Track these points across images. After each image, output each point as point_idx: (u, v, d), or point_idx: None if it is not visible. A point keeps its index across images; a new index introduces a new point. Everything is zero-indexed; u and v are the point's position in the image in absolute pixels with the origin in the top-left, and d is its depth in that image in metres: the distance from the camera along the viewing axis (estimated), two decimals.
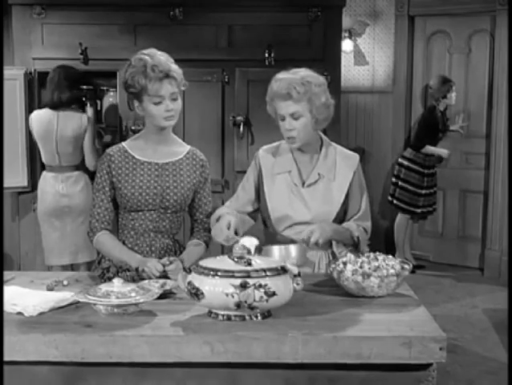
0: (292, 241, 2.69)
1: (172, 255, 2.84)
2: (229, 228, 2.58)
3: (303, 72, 2.70)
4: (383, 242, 6.76)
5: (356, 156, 2.86)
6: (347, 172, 2.80)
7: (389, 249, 6.36)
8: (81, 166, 5.01)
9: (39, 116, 4.94)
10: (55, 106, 4.89)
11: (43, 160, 5.02)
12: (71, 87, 4.95)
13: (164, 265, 2.58)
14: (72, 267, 5.02)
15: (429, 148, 6.33)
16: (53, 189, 4.93)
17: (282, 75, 2.69)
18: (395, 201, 6.50)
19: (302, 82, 2.64)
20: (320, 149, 2.81)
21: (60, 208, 4.90)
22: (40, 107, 5.03)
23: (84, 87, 5.50)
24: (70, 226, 4.91)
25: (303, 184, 2.78)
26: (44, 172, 5.02)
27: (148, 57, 2.70)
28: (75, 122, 4.94)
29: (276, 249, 2.59)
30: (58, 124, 4.90)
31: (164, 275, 2.57)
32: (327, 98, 2.72)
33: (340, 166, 2.79)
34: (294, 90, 2.63)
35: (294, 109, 2.66)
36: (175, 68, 2.71)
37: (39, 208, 5.00)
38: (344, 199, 2.79)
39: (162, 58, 2.70)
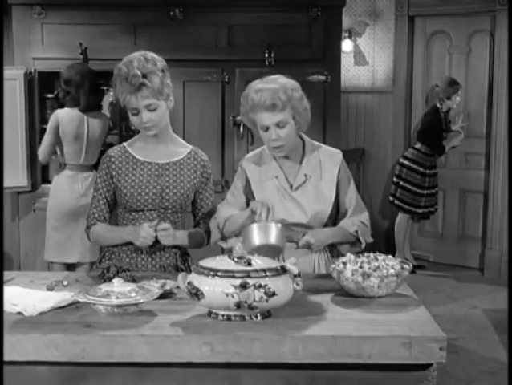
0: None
1: (173, 256, 2.85)
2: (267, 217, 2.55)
3: (281, 79, 2.67)
4: (383, 242, 6.76)
5: (339, 153, 2.85)
6: (333, 169, 2.79)
7: (389, 249, 6.36)
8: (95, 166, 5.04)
9: (70, 117, 4.90)
10: (86, 109, 4.92)
11: (66, 158, 4.96)
12: (97, 90, 5.04)
13: (154, 227, 2.68)
14: (75, 266, 5.02)
15: (448, 147, 6.36)
16: (72, 188, 4.93)
17: (260, 85, 2.64)
18: (396, 201, 6.50)
19: (284, 90, 2.62)
20: (303, 150, 2.80)
21: (77, 208, 4.89)
22: (62, 106, 4.98)
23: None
24: (82, 225, 4.86)
25: (291, 187, 2.77)
26: (65, 171, 4.98)
27: (125, 67, 2.65)
28: (102, 124, 5.05)
29: (255, 227, 2.53)
30: (88, 126, 4.95)
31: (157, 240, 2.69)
32: (306, 101, 2.72)
33: (325, 164, 2.79)
34: (279, 100, 2.60)
35: (279, 118, 2.64)
36: (150, 80, 2.64)
37: (53, 206, 4.94)
38: (335, 196, 2.79)
39: (136, 71, 2.63)
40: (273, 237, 2.52)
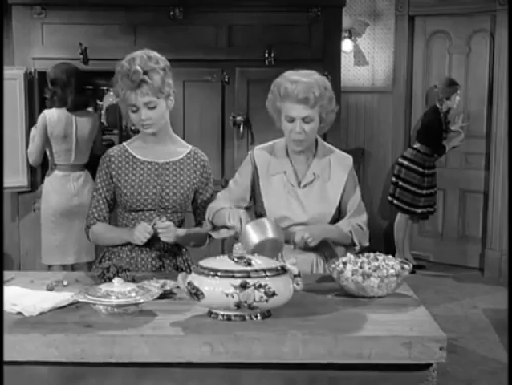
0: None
1: (173, 256, 2.85)
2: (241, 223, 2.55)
3: (316, 76, 2.68)
4: (383, 242, 6.76)
5: (350, 158, 2.85)
6: (342, 173, 2.80)
7: (389, 249, 6.36)
8: (87, 165, 5.03)
9: (57, 117, 4.90)
10: (73, 109, 4.92)
11: (55, 159, 4.96)
12: (83, 89, 5.05)
13: (154, 225, 2.67)
14: (73, 267, 5.02)
15: (448, 147, 6.36)
16: (64, 188, 4.92)
17: (296, 77, 2.65)
18: (395, 201, 6.51)
19: (319, 87, 2.63)
20: (315, 149, 2.81)
21: (71, 208, 4.89)
22: (51, 106, 4.97)
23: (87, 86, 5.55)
24: (77, 226, 4.87)
25: (299, 184, 2.77)
26: (56, 172, 4.98)
27: (127, 64, 2.67)
28: (91, 123, 5.04)
29: (249, 227, 2.52)
30: (77, 125, 4.95)
31: (155, 235, 2.67)
32: (335, 103, 2.73)
33: (334, 166, 2.79)
34: (313, 94, 2.61)
35: (308, 113, 2.64)
36: (151, 77, 2.65)
37: (46, 208, 4.94)
38: (340, 199, 2.79)
39: (138, 68, 2.64)
40: (269, 231, 2.52)
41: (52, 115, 4.90)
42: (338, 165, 2.80)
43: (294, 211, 2.74)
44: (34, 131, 4.97)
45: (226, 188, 2.88)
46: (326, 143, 2.86)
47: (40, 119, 4.92)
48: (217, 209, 2.72)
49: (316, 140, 2.81)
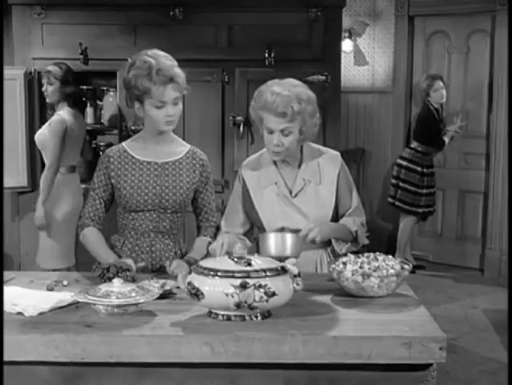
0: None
1: (173, 256, 2.85)
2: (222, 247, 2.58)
3: (298, 88, 2.64)
4: (383, 242, 6.75)
5: (338, 155, 2.84)
6: (332, 172, 2.79)
7: (389, 249, 6.35)
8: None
9: (74, 118, 4.81)
10: (82, 110, 4.93)
11: (64, 160, 4.77)
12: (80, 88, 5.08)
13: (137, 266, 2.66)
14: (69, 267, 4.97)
15: (448, 136, 6.35)
16: (73, 190, 4.85)
17: (277, 89, 2.62)
18: (397, 203, 6.48)
19: (299, 101, 2.60)
20: (301, 155, 2.79)
21: (69, 210, 4.82)
22: (54, 108, 4.89)
23: (84, 87, 5.54)
24: (75, 228, 4.82)
25: (291, 193, 2.77)
26: (70, 175, 4.84)
27: (153, 59, 2.67)
28: (84, 123, 5.08)
29: (272, 236, 2.57)
30: (82, 125, 4.96)
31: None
32: (318, 117, 2.71)
33: (324, 167, 2.78)
34: (291, 109, 2.59)
35: (285, 126, 2.63)
36: (178, 72, 2.69)
37: (63, 212, 4.79)
38: (335, 197, 2.79)
39: (167, 62, 2.68)
40: (289, 249, 2.55)
41: (70, 117, 4.78)
42: (328, 166, 2.79)
43: (293, 219, 2.73)
44: (53, 138, 4.71)
45: (224, 216, 2.88)
46: (313, 145, 2.84)
47: (59, 124, 4.71)
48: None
49: (301, 146, 2.79)
